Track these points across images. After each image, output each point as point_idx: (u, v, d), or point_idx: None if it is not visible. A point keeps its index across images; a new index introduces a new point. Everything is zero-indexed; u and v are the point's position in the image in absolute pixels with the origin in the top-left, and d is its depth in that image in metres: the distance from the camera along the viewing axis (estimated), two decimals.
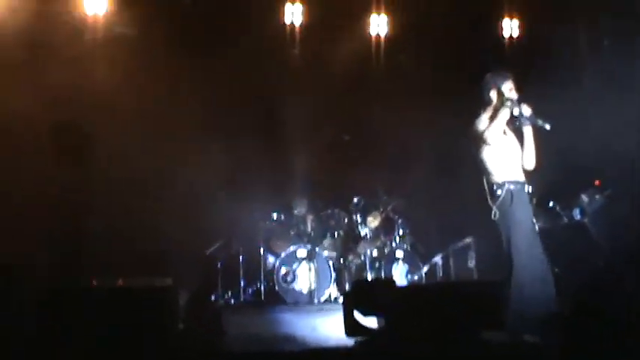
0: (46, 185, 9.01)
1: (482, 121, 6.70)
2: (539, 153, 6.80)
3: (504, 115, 6.61)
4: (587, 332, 5.41)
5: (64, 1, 9.93)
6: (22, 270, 7.12)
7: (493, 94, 6.73)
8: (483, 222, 8.48)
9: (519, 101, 6.66)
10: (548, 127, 6.63)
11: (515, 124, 6.78)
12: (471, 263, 10.18)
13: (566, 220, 9.03)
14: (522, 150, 6.79)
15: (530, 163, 6.80)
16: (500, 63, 10.83)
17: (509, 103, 6.62)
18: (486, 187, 6.74)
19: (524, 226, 6.58)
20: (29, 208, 8.74)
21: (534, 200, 6.86)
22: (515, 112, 6.67)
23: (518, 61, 11.07)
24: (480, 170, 6.80)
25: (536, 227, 6.72)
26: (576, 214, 8.88)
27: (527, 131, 6.78)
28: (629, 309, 6.21)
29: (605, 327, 5.48)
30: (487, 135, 6.60)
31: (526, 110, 6.65)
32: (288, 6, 11.07)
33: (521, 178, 6.72)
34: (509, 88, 6.69)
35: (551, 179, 6.95)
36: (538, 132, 6.74)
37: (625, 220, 8.64)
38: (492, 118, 6.65)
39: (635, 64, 9.52)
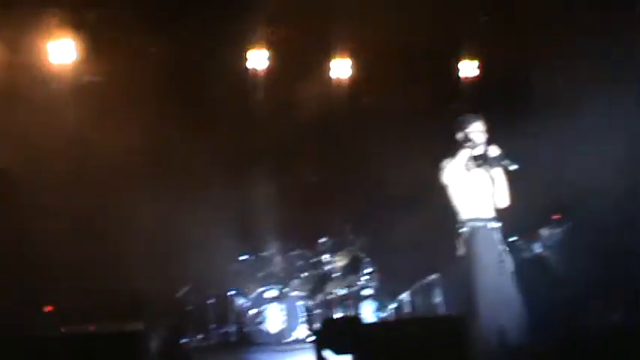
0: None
1: (448, 162, 6.87)
2: (511, 192, 6.92)
3: (463, 155, 6.76)
4: None
5: (32, 52, 9.94)
6: None
7: (461, 136, 6.89)
8: (448, 259, 8.65)
9: (488, 142, 6.83)
10: (513, 167, 6.78)
11: (482, 164, 6.90)
12: (438, 299, 10.17)
13: (525, 251, 9.16)
14: (493, 189, 6.91)
15: (502, 202, 6.91)
16: (465, 104, 11.11)
17: (468, 144, 6.79)
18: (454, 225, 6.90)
19: (489, 262, 6.66)
20: None
21: (500, 237, 6.93)
22: (478, 152, 6.85)
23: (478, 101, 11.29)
24: (448, 209, 6.94)
25: (508, 263, 6.79)
26: (536, 248, 9.01)
27: (497, 171, 6.92)
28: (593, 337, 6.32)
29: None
30: (444, 174, 6.78)
31: (493, 151, 6.81)
32: (251, 52, 11.20)
33: (489, 215, 6.83)
34: (477, 130, 6.84)
35: (511, 215, 7.05)
36: (508, 172, 6.87)
37: (584, 251, 8.82)
38: (456, 151, 6.82)
39: (589, 101, 9.77)
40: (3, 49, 9.66)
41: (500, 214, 6.93)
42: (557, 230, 8.92)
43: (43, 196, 9.66)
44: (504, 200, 6.93)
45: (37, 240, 9.30)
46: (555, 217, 9.19)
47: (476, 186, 6.88)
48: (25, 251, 9.32)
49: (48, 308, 9.43)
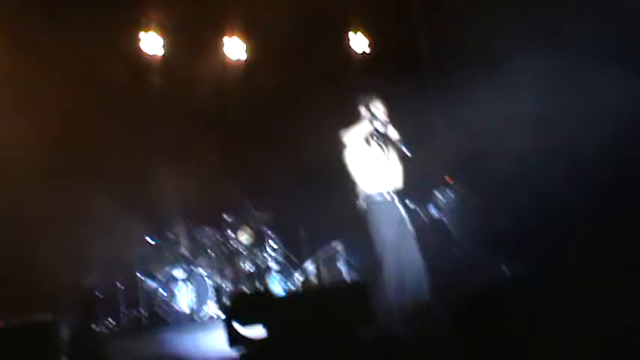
0: None
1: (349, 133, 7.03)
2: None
3: (364, 127, 6.99)
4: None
5: None
6: None
7: (363, 110, 7.08)
8: (350, 228, 8.85)
9: (386, 123, 7.03)
10: (409, 154, 6.99)
11: (381, 141, 7.09)
12: (341, 266, 10.33)
13: (422, 216, 9.41)
14: (389, 166, 7.12)
15: (397, 182, 7.15)
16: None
17: (369, 119, 6.99)
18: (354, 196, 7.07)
19: (388, 229, 6.92)
20: None
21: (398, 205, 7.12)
22: (379, 127, 7.04)
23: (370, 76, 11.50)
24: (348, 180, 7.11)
25: (408, 227, 7.03)
26: (431, 209, 9.27)
27: (394, 153, 7.14)
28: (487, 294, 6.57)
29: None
30: (346, 140, 6.96)
31: (393, 134, 7.01)
32: (143, 34, 11.11)
33: (385, 189, 7.06)
34: (376, 107, 7.07)
35: (407, 180, 7.26)
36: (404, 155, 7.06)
37: (474, 211, 9.15)
38: (354, 126, 7.02)
39: (474, 67, 10.07)
40: None
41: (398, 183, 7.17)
42: (450, 192, 9.18)
43: None
44: (397, 180, 7.17)
45: None
46: (448, 179, 9.45)
47: (374, 161, 7.10)
48: None
49: None
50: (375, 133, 7.08)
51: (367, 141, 7.06)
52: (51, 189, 9.51)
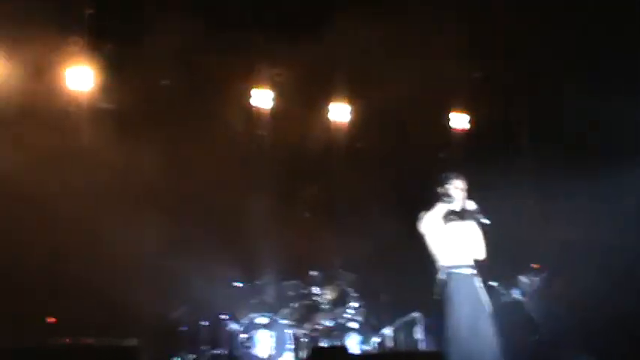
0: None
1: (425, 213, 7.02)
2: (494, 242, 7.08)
3: (439, 208, 6.93)
4: None
5: (52, 78, 10.09)
6: None
7: (441, 190, 7.03)
8: (429, 298, 8.78)
9: (466, 197, 7.00)
10: (487, 222, 6.99)
11: (458, 218, 7.03)
12: (418, 335, 10.25)
13: (506, 299, 9.29)
14: (471, 240, 7.02)
15: (480, 254, 7.06)
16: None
17: (445, 199, 6.96)
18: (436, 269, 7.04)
19: (465, 304, 6.78)
20: None
21: (478, 282, 7.08)
22: (455, 207, 7.01)
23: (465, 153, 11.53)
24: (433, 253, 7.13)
25: (487, 307, 6.90)
26: (516, 293, 9.16)
27: (473, 225, 7.07)
28: None
29: None
30: (420, 225, 6.96)
31: (470, 206, 7.01)
32: (255, 91, 11.43)
33: (466, 263, 6.95)
34: (457, 187, 7.01)
35: (493, 263, 7.23)
36: (484, 225, 7.02)
37: (558, 299, 9.01)
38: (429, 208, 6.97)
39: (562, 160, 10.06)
40: (23, 72, 9.76)
41: (482, 263, 7.10)
42: (536, 278, 9.07)
43: (52, 211, 9.72)
44: (481, 252, 7.08)
45: (43, 254, 9.37)
46: (535, 266, 9.34)
47: (454, 236, 7.01)
48: (30, 264, 9.39)
49: (51, 320, 9.47)
50: (453, 212, 7.01)
51: (445, 220, 6.98)
52: (157, 224, 9.80)
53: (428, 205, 7.01)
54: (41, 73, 9.97)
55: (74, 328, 8.89)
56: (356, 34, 10.65)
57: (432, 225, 6.97)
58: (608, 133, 9.54)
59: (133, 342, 8.95)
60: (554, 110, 10.66)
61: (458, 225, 7.06)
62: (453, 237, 7.03)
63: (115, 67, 10.44)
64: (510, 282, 9.44)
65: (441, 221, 6.98)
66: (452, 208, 7.00)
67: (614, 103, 9.30)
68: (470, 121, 12.20)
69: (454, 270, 6.94)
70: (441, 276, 6.98)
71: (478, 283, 6.99)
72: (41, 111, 9.86)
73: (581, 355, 8.20)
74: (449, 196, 6.99)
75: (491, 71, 11.42)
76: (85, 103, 10.39)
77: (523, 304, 8.84)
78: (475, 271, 7.01)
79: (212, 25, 10.23)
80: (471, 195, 7.07)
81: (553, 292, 9.11)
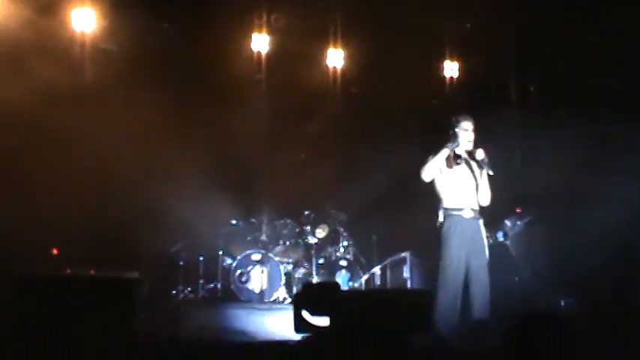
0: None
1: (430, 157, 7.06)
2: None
3: (443, 152, 6.99)
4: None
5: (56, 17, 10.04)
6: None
7: (452, 132, 7.07)
8: (418, 240, 8.90)
9: (475, 145, 7.07)
10: (491, 173, 7.03)
11: (464, 162, 7.09)
12: (406, 274, 10.38)
13: (490, 241, 9.40)
14: (475, 185, 7.11)
15: (485, 200, 7.15)
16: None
17: (449, 144, 7.01)
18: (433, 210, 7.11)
19: (462, 248, 6.91)
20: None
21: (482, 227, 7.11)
22: (461, 150, 7.05)
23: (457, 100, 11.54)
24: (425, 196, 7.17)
25: (485, 252, 7.01)
26: (500, 236, 9.26)
27: (479, 172, 7.15)
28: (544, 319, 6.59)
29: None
30: (423, 169, 7.02)
31: (479, 154, 7.03)
32: (255, 36, 11.37)
33: (468, 206, 7.02)
34: (465, 128, 7.06)
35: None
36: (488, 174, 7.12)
37: (540, 242, 9.14)
38: (435, 153, 7.04)
39: (556, 110, 10.07)
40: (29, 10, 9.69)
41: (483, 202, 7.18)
42: (519, 222, 9.17)
43: (65, 143, 9.81)
44: (486, 199, 7.16)
45: (50, 190, 9.42)
46: (518, 210, 9.44)
47: (459, 179, 7.07)
48: (37, 198, 9.44)
49: (55, 250, 9.57)
50: (458, 155, 7.07)
51: (455, 159, 7.04)
52: (156, 167, 9.96)
53: (427, 151, 7.11)
54: (48, 12, 9.89)
55: (76, 259, 8.97)
56: None
57: (434, 170, 7.03)
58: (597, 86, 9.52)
59: (134, 274, 9.07)
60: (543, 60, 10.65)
61: (463, 168, 7.09)
62: (458, 180, 7.07)
63: (117, 10, 10.33)
64: (495, 225, 9.54)
65: (444, 165, 7.03)
66: (457, 152, 7.03)
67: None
68: (459, 69, 12.12)
69: (454, 212, 7.01)
70: (440, 217, 7.06)
71: (480, 227, 7.09)
72: (49, 48, 9.80)
73: (559, 297, 8.36)
74: (456, 137, 7.02)
75: (481, 21, 11.35)
76: (88, 43, 10.29)
77: (507, 246, 8.94)
78: (478, 215, 7.09)
79: None
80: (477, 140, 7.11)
81: (533, 237, 9.21)
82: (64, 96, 9.51)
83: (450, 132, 7.12)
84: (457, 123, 7.10)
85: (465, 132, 7.09)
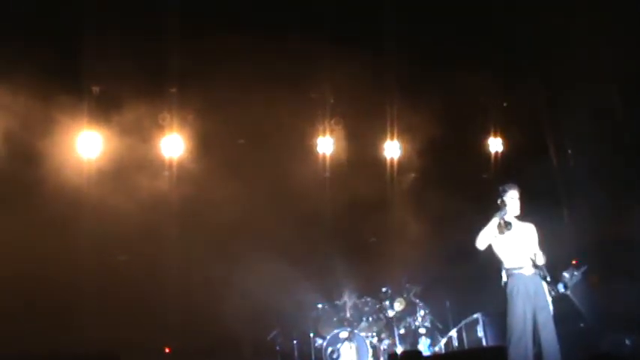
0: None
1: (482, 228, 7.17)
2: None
3: (493, 221, 7.08)
4: None
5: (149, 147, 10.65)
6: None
7: (500, 201, 7.19)
8: (487, 300, 8.88)
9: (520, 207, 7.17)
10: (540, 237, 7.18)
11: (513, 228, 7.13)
12: (480, 334, 10.29)
13: (553, 293, 9.31)
14: (530, 244, 7.14)
15: (540, 259, 7.12)
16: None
17: (498, 213, 7.09)
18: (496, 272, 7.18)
19: (526, 303, 6.88)
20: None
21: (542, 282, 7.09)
22: (512, 215, 7.13)
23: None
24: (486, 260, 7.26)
25: (549, 303, 7.00)
26: (560, 287, 9.17)
27: (532, 230, 7.24)
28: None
29: None
30: (478, 236, 7.11)
31: (539, 259, 7.05)
32: (320, 139, 11.75)
33: (525, 265, 7.04)
34: (511, 197, 7.16)
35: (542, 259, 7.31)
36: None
37: (597, 289, 9.04)
38: (486, 223, 7.14)
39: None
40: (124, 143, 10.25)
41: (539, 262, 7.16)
42: (576, 273, 9.08)
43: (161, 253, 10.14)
44: (542, 258, 7.12)
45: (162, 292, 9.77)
46: (574, 262, 9.37)
47: (514, 240, 7.12)
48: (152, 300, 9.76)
49: (167, 349, 9.84)
50: (508, 222, 7.13)
51: (505, 226, 7.09)
52: (249, 261, 10.16)
53: (483, 221, 7.19)
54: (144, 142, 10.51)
55: (185, 354, 9.22)
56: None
57: (487, 239, 7.12)
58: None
59: None
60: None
61: (516, 231, 7.13)
62: (514, 241, 7.11)
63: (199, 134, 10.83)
64: (555, 279, 9.46)
65: (496, 232, 7.09)
66: (507, 219, 7.10)
67: None
68: (503, 144, 12.27)
69: (515, 271, 7.03)
70: (504, 278, 7.09)
71: (542, 282, 7.06)
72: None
73: (623, 336, 8.19)
74: (504, 206, 7.10)
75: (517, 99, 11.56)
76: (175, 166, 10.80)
77: (568, 296, 8.85)
78: (537, 271, 7.07)
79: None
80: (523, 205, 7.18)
81: (590, 284, 9.11)
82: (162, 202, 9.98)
83: (499, 201, 7.22)
84: (504, 192, 7.21)
85: (512, 200, 7.19)
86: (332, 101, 11.65)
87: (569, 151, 11.37)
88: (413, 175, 12.32)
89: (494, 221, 7.11)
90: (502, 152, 12.25)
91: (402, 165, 12.15)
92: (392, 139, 12.06)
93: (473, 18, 10.27)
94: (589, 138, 10.45)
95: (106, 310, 9.15)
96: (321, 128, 11.73)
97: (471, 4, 10.21)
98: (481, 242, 7.13)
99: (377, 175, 11.89)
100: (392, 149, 12.11)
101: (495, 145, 12.34)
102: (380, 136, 12.10)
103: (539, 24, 10.00)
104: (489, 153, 12.34)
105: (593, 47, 9.59)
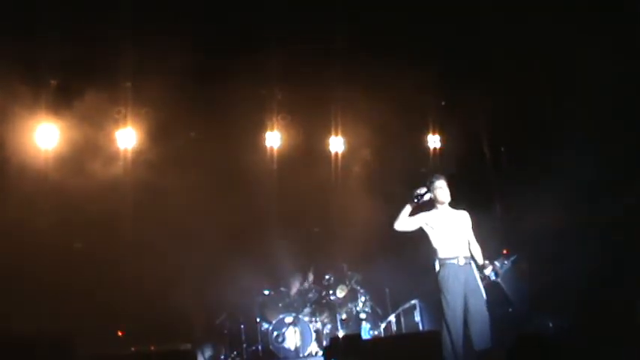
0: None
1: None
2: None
3: (407, 207, 7.24)
4: None
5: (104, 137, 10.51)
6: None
7: (428, 191, 7.31)
8: (424, 287, 9.06)
9: (452, 197, 7.31)
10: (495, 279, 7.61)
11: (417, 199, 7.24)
12: (417, 319, 10.50)
13: (485, 281, 9.57)
14: (464, 234, 7.29)
15: (474, 247, 7.38)
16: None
17: (410, 200, 7.24)
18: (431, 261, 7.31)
19: (459, 293, 7.04)
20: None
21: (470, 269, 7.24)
22: (446, 203, 7.26)
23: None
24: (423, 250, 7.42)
25: (481, 291, 7.16)
26: (492, 275, 9.43)
27: (465, 221, 7.38)
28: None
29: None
30: (395, 221, 7.27)
31: (487, 270, 7.35)
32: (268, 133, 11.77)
33: (460, 254, 7.18)
34: (439, 186, 7.29)
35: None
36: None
37: (525, 277, 9.34)
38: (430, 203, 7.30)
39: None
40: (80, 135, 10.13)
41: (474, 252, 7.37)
42: (506, 262, 9.34)
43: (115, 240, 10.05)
44: (474, 244, 7.37)
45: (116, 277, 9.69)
46: (505, 251, 9.63)
47: (448, 231, 7.23)
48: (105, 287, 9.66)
49: (121, 333, 9.77)
50: (444, 209, 7.30)
51: (421, 195, 7.22)
52: (200, 250, 10.17)
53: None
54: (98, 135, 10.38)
55: (137, 337, 9.17)
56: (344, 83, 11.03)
57: (404, 219, 7.23)
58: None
59: (187, 346, 9.31)
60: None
61: (452, 224, 7.26)
62: (449, 233, 7.23)
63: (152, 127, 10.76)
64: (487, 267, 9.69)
65: (430, 219, 7.23)
66: (420, 192, 7.21)
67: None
68: (441, 140, 12.51)
69: (448, 261, 7.16)
70: (436, 267, 7.21)
71: (473, 271, 7.22)
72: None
73: (547, 320, 8.49)
74: (440, 194, 7.22)
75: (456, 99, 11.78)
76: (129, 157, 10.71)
77: (499, 284, 9.10)
78: (469, 261, 7.24)
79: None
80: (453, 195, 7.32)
81: (519, 272, 9.39)
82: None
83: (427, 190, 7.32)
84: (431, 184, 7.35)
85: (440, 189, 7.33)
86: (279, 97, 11.67)
87: (502, 149, 11.66)
88: (355, 168, 12.46)
89: (407, 206, 7.23)
90: (440, 148, 12.47)
91: (346, 159, 12.21)
92: (336, 134, 12.14)
93: (422, 13, 10.23)
94: (520, 136, 10.72)
95: (60, 296, 9.01)
96: (269, 123, 11.75)
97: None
98: (399, 223, 7.25)
99: (322, 168, 11.95)
100: (336, 144, 12.19)
101: (434, 141, 12.55)
102: (325, 131, 12.16)
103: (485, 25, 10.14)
104: (428, 148, 12.55)
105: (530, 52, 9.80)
